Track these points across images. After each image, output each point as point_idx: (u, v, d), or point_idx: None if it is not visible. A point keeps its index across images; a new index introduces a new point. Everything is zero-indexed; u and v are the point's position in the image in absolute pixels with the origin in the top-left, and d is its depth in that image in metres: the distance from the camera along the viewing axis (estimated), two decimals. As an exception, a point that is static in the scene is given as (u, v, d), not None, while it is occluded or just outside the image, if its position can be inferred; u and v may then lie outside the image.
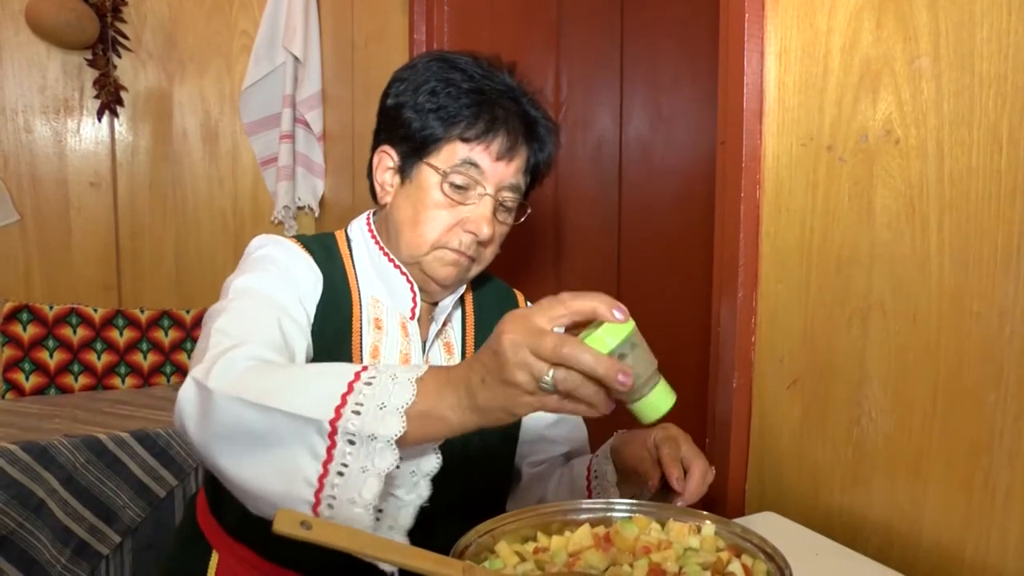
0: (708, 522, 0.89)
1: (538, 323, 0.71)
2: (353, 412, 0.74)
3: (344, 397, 0.75)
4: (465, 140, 1.12)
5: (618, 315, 0.72)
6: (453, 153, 1.13)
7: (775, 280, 1.25)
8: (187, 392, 0.84)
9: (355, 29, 2.71)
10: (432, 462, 0.81)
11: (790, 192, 1.22)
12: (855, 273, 1.11)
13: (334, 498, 0.73)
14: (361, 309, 1.16)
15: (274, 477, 0.76)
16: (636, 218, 2.34)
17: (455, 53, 1.20)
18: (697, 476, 1.04)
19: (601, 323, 0.72)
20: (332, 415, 0.74)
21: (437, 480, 0.81)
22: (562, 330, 0.73)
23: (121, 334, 2.90)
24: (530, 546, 0.88)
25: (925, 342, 1.01)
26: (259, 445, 0.77)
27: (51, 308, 2.80)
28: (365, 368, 0.78)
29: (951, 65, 0.97)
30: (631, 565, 0.83)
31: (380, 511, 0.78)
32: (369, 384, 0.75)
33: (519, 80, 1.21)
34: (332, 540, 0.66)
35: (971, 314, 0.95)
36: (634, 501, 0.95)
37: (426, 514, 0.95)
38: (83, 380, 2.84)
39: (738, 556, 0.84)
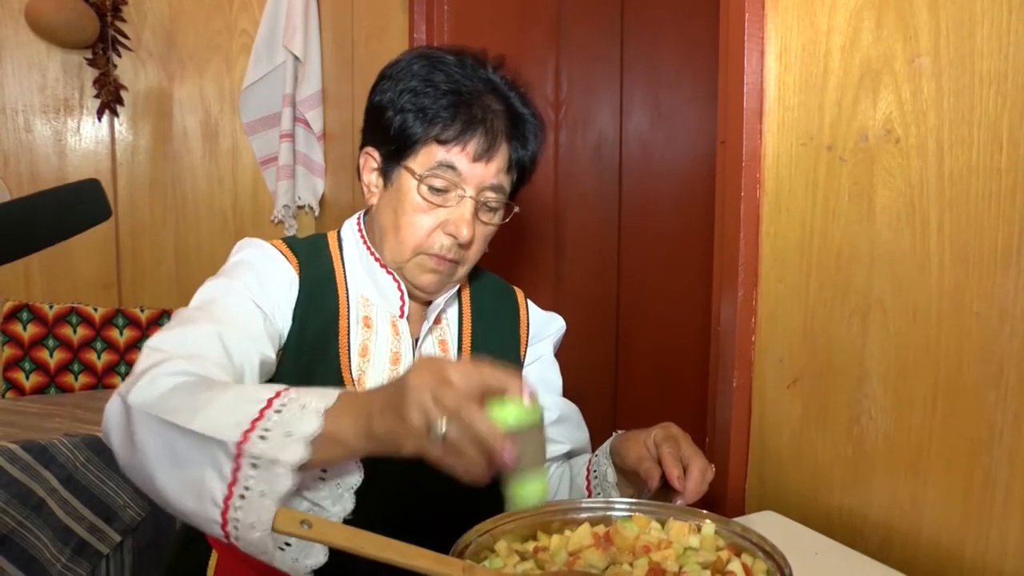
0: (708, 521, 0.89)
1: (449, 374, 0.73)
2: (260, 437, 0.75)
3: (253, 422, 0.76)
4: (441, 142, 1.11)
5: (526, 397, 0.74)
6: (430, 156, 1.12)
7: (775, 279, 1.25)
8: (111, 407, 0.86)
9: (355, 28, 2.71)
10: (355, 476, 0.83)
11: (790, 191, 1.21)
12: (855, 272, 1.11)
13: (238, 520, 0.75)
14: (349, 308, 1.16)
15: (188, 495, 0.78)
16: (636, 217, 2.34)
17: (441, 50, 1.19)
18: (697, 475, 1.04)
19: (511, 401, 0.74)
20: (239, 438, 0.75)
21: (441, 478, 0.81)
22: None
23: (121, 333, 2.90)
24: (530, 545, 0.88)
25: (925, 341, 1.01)
26: (173, 462, 0.79)
27: (51, 307, 2.80)
28: (278, 394, 0.80)
29: (951, 64, 0.97)
30: (631, 564, 0.83)
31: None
32: (279, 412, 0.77)
33: (507, 74, 1.20)
34: (331, 539, 0.66)
35: (971, 313, 0.95)
36: (634, 500, 0.95)
37: (429, 513, 0.95)
38: (83, 379, 2.84)
39: (738, 555, 0.84)
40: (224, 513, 0.75)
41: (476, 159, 1.12)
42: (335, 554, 0.69)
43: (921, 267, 1.01)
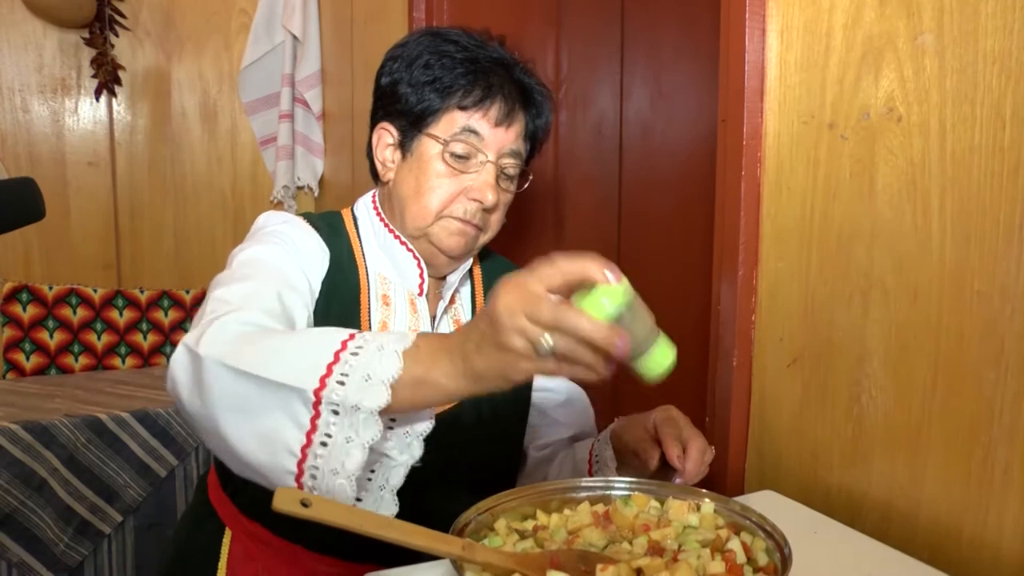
0: (707, 500, 0.89)
1: (533, 287, 0.70)
2: (338, 382, 0.73)
3: (329, 367, 0.74)
4: (463, 108, 1.13)
5: (611, 276, 0.70)
6: (452, 122, 1.13)
7: (776, 258, 1.25)
8: (178, 357, 0.84)
9: (354, 7, 2.69)
10: (425, 423, 0.81)
11: (791, 170, 1.21)
12: (856, 251, 1.11)
13: (316, 468, 0.73)
14: (369, 286, 1.16)
15: (258, 446, 0.76)
16: (636, 196, 2.33)
17: (446, 28, 1.20)
18: (696, 454, 1.04)
19: (595, 285, 0.71)
20: (316, 384, 0.73)
21: (448, 456, 0.81)
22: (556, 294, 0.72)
23: (121, 314, 2.90)
24: (529, 524, 0.88)
25: (926, 320, 1.01)
26: (245, 413, 0.77)
27: (51, 289, 2.80)
28: (352, 336, 0.77)
29: (955, 41, 0.96)
30: (630, 543, 0.83)
31: (372, 472, 0.79)
32: (355, 354, 0.75)
33: (510, 51, 1.21)
34: (331, 517, 0.66)
35: (972, 292, 0.95)
36: (633, 479, 0.96)
37: (435, 490, 0.95)
38: (83, 360, 2.84)
39: (737, 534, 0.84)
40: (301, 463, 0.73)
41: (497, 124, 1.14)
42: (336, 532, 0.69)
43: (922, 246, 1.01)
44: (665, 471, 1.06)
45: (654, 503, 0.91)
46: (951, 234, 0.97)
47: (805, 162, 1.18)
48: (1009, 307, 0.91)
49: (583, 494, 0.93)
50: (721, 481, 1.30)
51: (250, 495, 1.12)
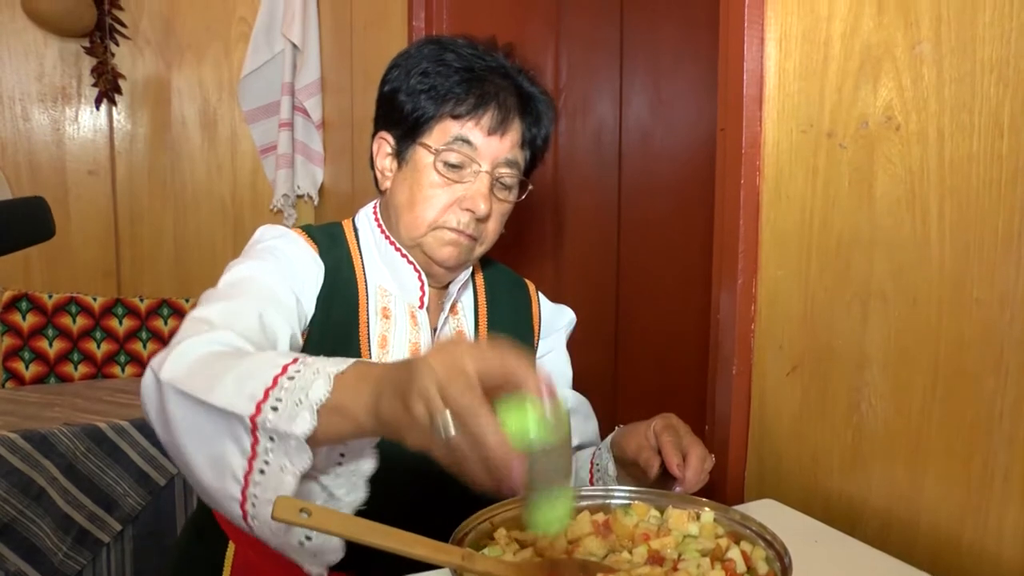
0: (707, 509, 0.89)
1: (463, 363, 0.63)
2: (272, 408, 0.71)
3: (267, 392, 0.73)
4: (456, 117, 1.12)
5: (547, 402, 0.63)
6: (445, 131, 1.13)
7: (775, 266, 1.25)
8: (145, 381, 0.84)
9: (354, 16, 2.70)
10: (368, 463, 0.79)
11: (790, 178, 1.21)
12: (855, 259, 1.11)
13: (256, 497, 0.72)
14: (368, 299, 1.16)
15: (210, 470, 0.76)
16: (636, 204, 2.34)
17: (451, 37, 1.20)
18: (695, 463, 1.04)
19: (530, 407, 0.62)
20: (253, 411, 0.72)
21: (443, 472, 0.80)
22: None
23: (120, 323, 2.90)
24: (529, 533, 0.88)
25: (925, 327, 1.01)
26: (198, 438, 0.77)
27: (50, 297, 2.80)
28: (295, 361, 0.75)
29: (952, 51, 0.96)
30: (630, 552, 0.83)
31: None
32: (292, 379, 0.73)
33: (515, 60, 1.21)
34: (330, 527, 0.66)
35: (972, 299, 0.95)
36: (633, 488, 0.95)
37: (440, 501, 0.94)
38: (83, 369, 2.84)
39: (737, 543, 0.84)
40: (244, 489, 0.72)
41: (491, 133, 1.13)
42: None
43: (921, 253, 1.01)
44: (665, 480, 1.06)
45: (654, 512, 0.91)
46: (950, 242, 0.98)
47: (804, 170, 1.19)
48: (1008, 314, 0.91)
49: (583, 503, 0.93)
50: (721, 489, 1.30)
51: None
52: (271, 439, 0.72)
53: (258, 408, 0.72)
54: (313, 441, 0.71)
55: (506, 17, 2.16)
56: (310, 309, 1.10)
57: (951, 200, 0.97)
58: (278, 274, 1.06)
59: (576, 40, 2.28)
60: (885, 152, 1.05)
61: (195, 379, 0.78)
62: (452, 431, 0.61)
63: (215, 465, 0.75)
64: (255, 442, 0.73)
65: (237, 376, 0.76)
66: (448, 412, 0.61)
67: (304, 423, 0.70)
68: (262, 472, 0.72)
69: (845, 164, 1.12)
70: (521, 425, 0.61)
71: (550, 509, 0.66)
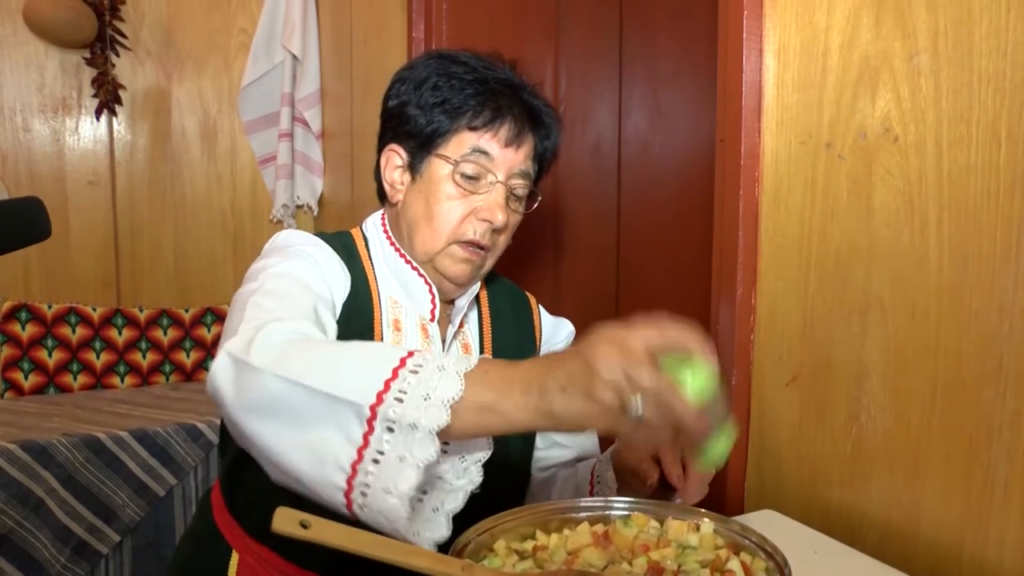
0: (707, 520, 0.89)
1: (636, 347, 0.69)
2: (396, 399, 0.71)
3: (387, 383, 0.72)
4: (473, 129, 1.12)
5: (713, 364, 0.71)
6: (462, 143, 1.13)
7: (774, 277, 1.25)
8: (222, 366, 0.81)
9: (354, 27, 2.71)
10: (482, 448, 0.80)
11: (789, 189, 1.21)
12: (854, 270, 1.11)
13: (368, 486, 0.71)
14: (381, 311, 1.16)
15: (305, 458, 0.74)
16: (635, 214, 2.34)
17: (454, 50, 1.20)
18: (695, 474, 1.03)
19: (699, 367, 0.71)
20: (373, 400, 0.71)
21: None
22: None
23: (120, 333, 2.90)
24: (529, 544, 0.88)
25: (924, 338, 1.01)
26: (294, 424, 0.75)
27: (50, 307, 2.80)
28: (411, 354, 0.76)
29: (950, 62, 0.97)
30: (630, 563, 0.83)
31: (424, 493, 0.77)
32: (415, 372, 0.73)
33: (521, 76, 1.21)
34: (330, 539, 0.66)
35: (970, 310, 0.95)
36: (632, 499, 0.95)
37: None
38: (82, 379, 2.84)
39: (737, 554, 0.84)
40: (351, 479, 0.71)
41: (507, 144, 1.14)
42: (346, 557, 0.68)
43: (920, 265, 1.01)
44: (665, 491, 1.06)
45: (653, 523, 0.91)
46: (948, 253, 0.98)
47: (803, 181, 1.19)
48: (1007, 325, 0.91)
49: (583, 514, 0.93)
50: (721, 499, 1.30)
51: (258, 518, 1.10)
52: (389, 429, 0.71)
53: (379, 398, 0.72)
54: (446, 435, 0.72)
55: (505, 29, 2.17)
56: (337, 316, 1.10)
57: (949, 211, 0.97)
58: (318, 275, 1.06)
59: (575, 51, 2.29)
60: (883, 163, 1.06)
61: (290, 363, 0.76)
62: (643, 411, 0.67)
63: (313, 451, 0.74)
64: (369, 431, 0.72)
65: (347, 363, 0.76)
66: (638, 395, 0.67)
67: (437, 417, 0.71)
68: (375, 462, 0.71)
69: (844, 175, 1.12)
70: (695, 385, 0.69)
71: (721, 445, 0.76)
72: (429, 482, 0.77)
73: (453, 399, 0.72)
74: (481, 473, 0.80)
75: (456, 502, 0.79)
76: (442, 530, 0.78)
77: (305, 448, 0.75)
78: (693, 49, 2.09)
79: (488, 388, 0.73)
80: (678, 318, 0.72)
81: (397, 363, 0.74)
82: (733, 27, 1.25)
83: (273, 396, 0.76)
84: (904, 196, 1.03)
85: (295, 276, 1.02)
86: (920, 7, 1.00)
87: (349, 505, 0.73)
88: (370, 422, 0.72)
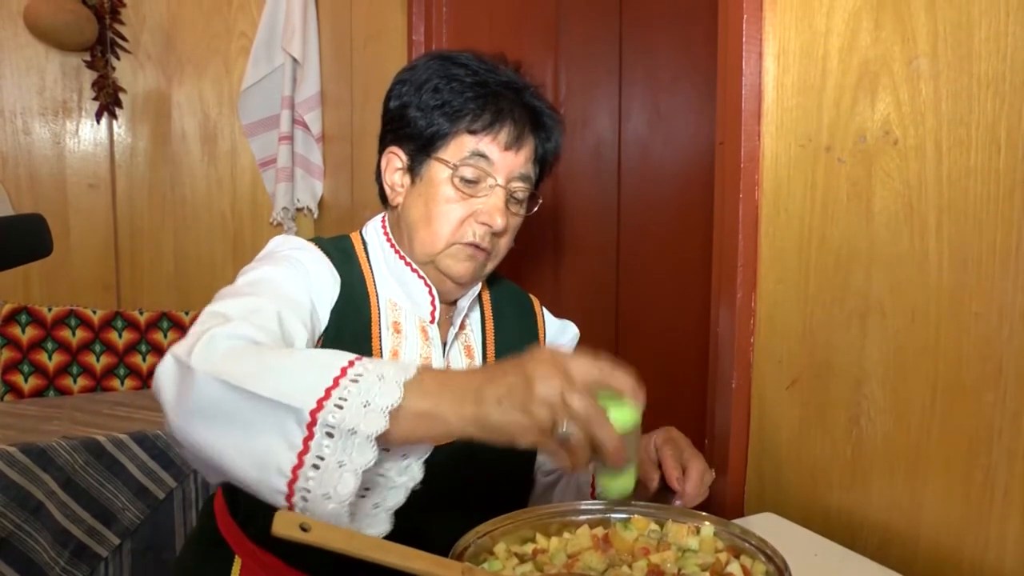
0: (707, 523, 0.89)
1: (576, 373, 0.73)
2: (336, 406, 0.72)
3: (328, 391, 0.73)
4: (472, 132, 1.12)
5: (639, 402, 0.77)
6: (461, 146, 1.13)
7: (774, 280, 1.25)
8: (166, 368, 0.82)
9: (354, 30, 2.71)
10: (423, 448, 0.80)
11: (789, 193, 1.22)
12: (854, 273, 1.11)
13: (308, 491, 0.72)
14: (380, 313, 1.15)
15: (249, 463, 0.75)
16: (635, 218, 2.34)
17: (456, 51, 1.20)
18: (695, 476, 1.04)
19: (624, 402, 0.77)
20: (313, 406, 0.72)
21: (458, 483, 0.80)
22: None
23: (120, 336, 2.90)
24: (529, 547, 0.88)
25: (924, 342, 1.01)
26: (236, 428, 0.76)
27: (50, 310, 2.80)
28: (352, 363, 0.76)
29: (949, 66, 0.97)
30: (630, 566, 0.83)
31: (367, 489, 0.78)
32: (355, 381, 0.74)
33: (523, 76, 1.21)
34: (330, 542, 0.66)
35: (970, 313, 0.95)
36: (633, 502, 0.95)
37: (445, 516, 0.94)
38: (82, 382, 2.84)
39: (737, 557, 0.84)
40: (292, 483, 0.72)
41: (507, 148, 1.14)
42: (350, 561, 0.68)
43: (920, 268, 1.01)
44: (665, 493, 1.06)
45: (653, 526, 0.91)
46: (948, 256, 0.98)
47: (803, 185, 1.19)
48: (1007, 328, 0.91)
49: (583, 517, 0.93)
50: (721, 503, 1.30)
51: (262, 523, 1.10)
52: (328, 435, 0.72)
53: (319, 404, 0.72)
54: (386, 441, 0.74)
55: (505, 32, 2.17)
56: (324, 321, 1.10)
57: (949, 214, 0.97)
58: (296, 280, 1.06)
59: (575, 55, 2.29)
60: (883, 166, 1.06)
61: (234, 367, 0.77)
62: (574, 433, 0.72)
63: (254, 456, 0.75)
64: (309, 437, 0.72)
65: (289, 369, 0.77)
66: (568, 417, 0.72)
67: (374, 423, 0.72)
68: (315, 467, 0.72)
69: (843, 178, 1.12)
70: (620, 417, 0.75)
71: (625, 480, 0.85)
72: (370, 479, 0.78)
73: (392, 406, 0.73)
74: (423, 470, 0.80)
75: (397, 497, 0.80)
76: (383, 525, 0.79)
77: (246, 452, 0.75)
78: (693, 52, 2.09)
79: (426, 396, 0.75)
80: (607, 362, 0.77)
81: (338, 372, 0.75)
82: (733, 31, 1.25)
83: (214, 400, 0.76)
84: (904, 199, 1.03)
85: (268, 282, 1.03)
86: (919, 11, 1.00)
87: (291, 508, 0.74)
88: (310, 427, 0.73)
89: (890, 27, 1.04)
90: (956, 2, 0.96)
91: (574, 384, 0.72)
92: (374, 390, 0.74)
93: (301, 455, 0.72)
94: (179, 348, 0.82)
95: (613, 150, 2.36)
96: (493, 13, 2.15)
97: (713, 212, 1.33)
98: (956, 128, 0.96)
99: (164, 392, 0.82)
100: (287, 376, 0.76)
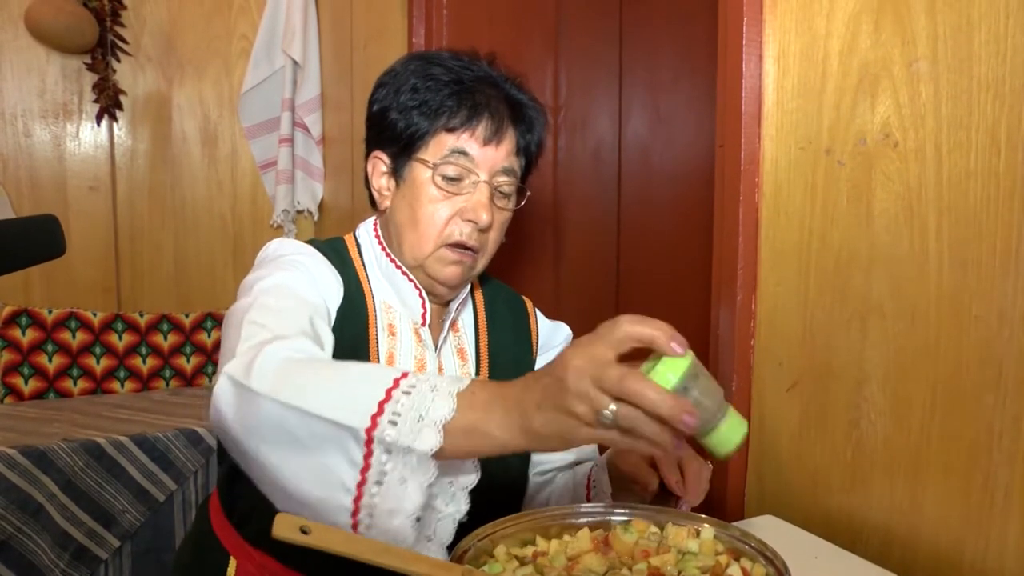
0: (707, 525, 0.89)
1: (601, 352, 0.69)
2: (390, 422, 0.72)
3: (381, 405, 0.73)
4: (450, 130, 1.12)
5: (676, 348, 0.70)
6: (441, 145, 1.13)
7: (774, 283, 1.25)
8: (223, 389, 0.81)
9: (354, 32, 2.71)
10: (471, 475, 0.79)
11: (789, 195, 1.22)
12: (854, 275, 1.11)
13: (373, 507, 0.72)
14: (376, 315, 1.16)
15: (312, 482, 0.75)
16: (635, 220, 2.34)
17: (435, 51, 1.21)
18: (693, 476, 1.03)
19: (661, 355, 0.70)
20: (368, 423, 0.72)
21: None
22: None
23: (120, 338, 2.89)
24: (529, 550, 0.88)
25: (924, 344, 1.01)
26: (297, 447, 0.75)
27: (50, 312, 2.79)
28: (405, 375, 0.76)
29: (949, 68, 0.97)
30: (630, 569, 0.83)
31: (418, 519, 0.76)
32: (408, 394, 0.74)
33: (500, 67, 1.21)
34: (330, 545, 0.66)
35: (970, 316, 0.95)
36: (633, 505, 0.95)
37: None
38: (82, 384, 2.84)
39: (737, 559, 0.84)
40: (357, 500, 0.72)
41: (486, 143, 1.13)
42: (347, 563, 0.68)
43: (920, 270, 1.01)
44: (664, 496, 1.06)
45: (653, 529, 0.91)
46: (948, 259, 0.98)
47: (803, 187, 1.19)
48: (1007, 331, 0.91)
49: (583, 520, 0.93)
50: (721, 505, 1.30)
51: (257, 525, 1.10)
52: (386, 451, 0.72)
53: (374, 421, 0.72)
54: (439, 456, 0.73)
55: (506, 34, 2.18)
56: (332, 323, 1.10)
57: (949, 217, 0.97)
58: (311, 285, 1.06)
59: (575, 57, 2.29)
60: (883, 169, 1.06)
61: (289, 387, 0.76)
62: (618, 413, 0.67)
63: (316, 475, 0.74)
64: (368, 454, 0.72)
65: (341, 386, 0.76)
66: (611, 402, 0.67)
67: (428, 440, 0.71)
68: (379, 483, 0.72)
69: (844, 181, 1.12)
70: (665, 377, 0.69)
71: (728, 430, 0.74)
72: (424, 506, 0.77)
73: (446, 419, 0.72)
74: (468, 500, 0.80)
75: (447, 531, 0.79)
76: (450, 534, 0.78)
77: (310, 471, 0.75)
78: (693, 55, 2.10)
79: (473, 409, 0.73)
80: (637, 318, 0.72)
81: (391, 384, 0.75)
82: (733, 33, 1.25)
83: (275, 421, 0.76)
84: (904, 202, 1.03)
85: (289, 288, 1.02)
86: (919, 13, 1.00)
87: (355, 527, 0.73)
88: (368, 444, 0.72)
89: (890, 30, 1.04)
90: (956, 5, 0.96)
91: (604, 364, 0.68)
92: (427, 403, 0.73)
93: (364, 471, 0.72)
94: (233, 368, 0.81)
95: (613, 151, 2.37)
96: (493, 14, 2.15)
97: (713, 214, 1.33)
98: (956, 130, 0.96)
99: (224, 414, 0.81)
100: (339, 393, 0.75)
